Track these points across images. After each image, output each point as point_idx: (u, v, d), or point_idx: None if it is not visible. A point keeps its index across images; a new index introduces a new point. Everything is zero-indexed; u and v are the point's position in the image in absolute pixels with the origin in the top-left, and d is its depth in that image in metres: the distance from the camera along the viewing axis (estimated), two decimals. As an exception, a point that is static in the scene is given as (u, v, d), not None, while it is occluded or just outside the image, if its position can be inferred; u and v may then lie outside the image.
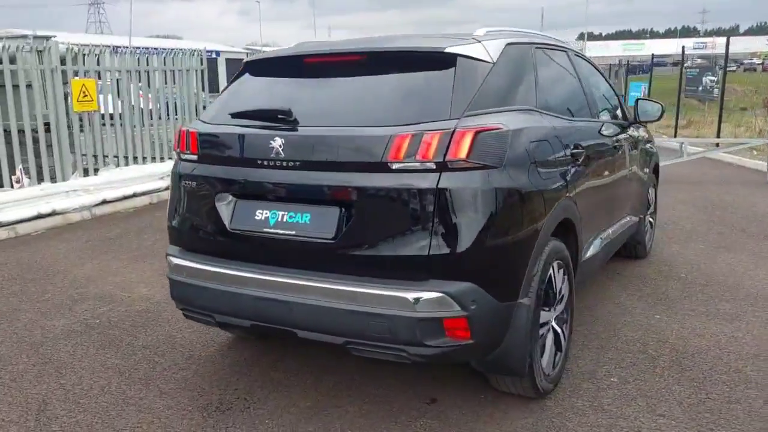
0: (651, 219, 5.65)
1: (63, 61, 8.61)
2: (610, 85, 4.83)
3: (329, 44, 3.41)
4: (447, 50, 2.85)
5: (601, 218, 3.96)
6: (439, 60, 2.84)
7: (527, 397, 3.09)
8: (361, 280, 2.65)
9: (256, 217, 2.88)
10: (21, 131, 7.99)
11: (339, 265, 2.73)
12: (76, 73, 8.46)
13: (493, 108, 2.84)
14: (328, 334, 2.74)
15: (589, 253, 3.73)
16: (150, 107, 9.64)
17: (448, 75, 2.79)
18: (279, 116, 2.85)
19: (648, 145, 5.31)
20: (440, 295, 2.54)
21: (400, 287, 2.58)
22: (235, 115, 3.00)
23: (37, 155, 8.19)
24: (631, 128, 4.83)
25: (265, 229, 2.85)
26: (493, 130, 2.67)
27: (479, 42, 3.01)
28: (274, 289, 2.80)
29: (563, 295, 3.25)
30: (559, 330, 3.22)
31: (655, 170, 5.61)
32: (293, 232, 2.79)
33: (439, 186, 2.55)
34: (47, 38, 8.93)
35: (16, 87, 8.14)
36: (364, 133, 2.67)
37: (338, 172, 2.70)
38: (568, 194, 3.18)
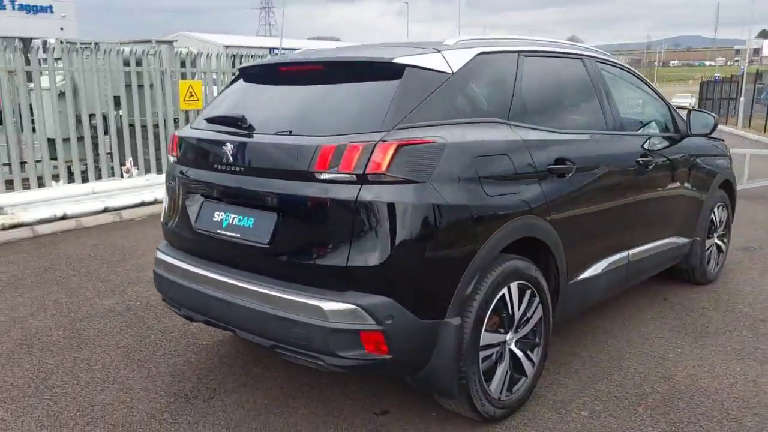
0: (720, 242, 5.13)
1: (183, 64, 9.41)
2: (658, 95, 4.45)
3: (314, 52, 3.47)
4: (395, 61, 2.82)
5: (610, 238, 3.68)
6: (387, 71, 2.82)
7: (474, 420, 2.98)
8: (288, 286, 2.71)
9: (214, 219, 3.03)
10: (132, 126, 8.84)
11: (272, 270, 2.80)
12: (184, 75, 9.18)
13: (439, 120, 2.77)
14: (258, 336, 2.83)
15: (586, 275, 3.50)
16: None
17: (392, 86, 2.76)
18: (237, 123, 2.97)
19: (714, 160, 4.83)
20: (353, 307, 2.54)
21: (319, 296, 2.60)
22: (207, 120, 3.17)
23: (146, 148, 9.00)
24: (685, 141, 4.43)
25: (219, 231, 2.99)
26: (419, 143, 2.60)
27: (439, 52, 2.94)
28: (219, 289, 2.93)
29: (528, 318, 3.09)
30: (520, 354, 3.06)
31: (727, 187, 5.08)
32: (239, 235, 2.90)
33: (359, 198, 2.54)
34: (170, 43, 9.75)
35: (141, 87, 9.02)
36: (297, 142, 2.72)
37: (275, 180, 2.77)
38: (535, 212, 3.01)
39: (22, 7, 32.33)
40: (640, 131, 4.24)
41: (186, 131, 3.32)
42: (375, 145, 2.54)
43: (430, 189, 2.59)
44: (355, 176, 2.55)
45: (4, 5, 31.65)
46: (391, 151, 2.53)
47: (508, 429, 2.98)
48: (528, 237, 3.02)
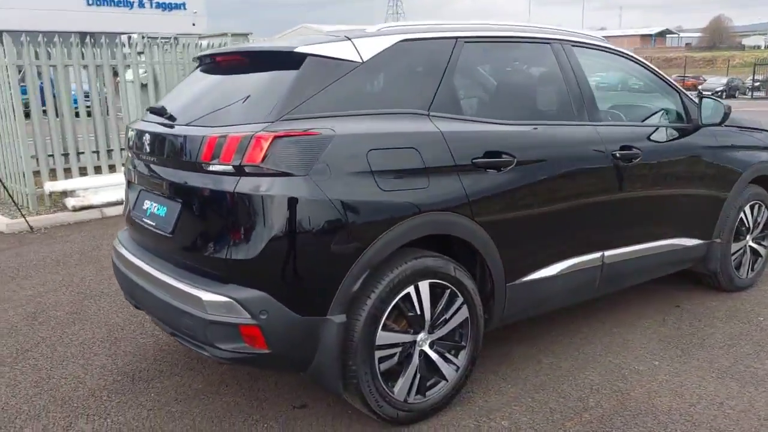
0: (756, 245, 4.58)
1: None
2: (666, 81, 4.02)
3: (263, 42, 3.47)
4: (297, 50, 2.77)
5: (572, 238, 3.40)
6: (289, 60, 2.77)
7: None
8: (183, 276, 2.76)
9: (143, 207, 3.14)
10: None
11: (174, 259, 2.87)
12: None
13: (338, 111, 2.69)
14: (162, 322, 2.91)
15: (536, 276, 3.26)
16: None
17: (290, 76, 2.72)
18: (163, 114, 3.05)
19: (744, 153, 4.32)
20: (228, 300, 2.54)
21: (202, 288, 2.63)
22: (148, 111, 3.27)
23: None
24: (698, 133, 4.00)
25: (143, 219, 3.09)
26: (299, 135, 2.54)
27: (349, 40, 2.84)
28: (139, 276, 3.04)
29: (446, 319, 2.93)
30: (435, 356, 2.92)
31: (765, 183, 4.52)
32: (154, 224, 2.99)
33: (236, 191, 2.53)
34: (245, 35, 10.09)
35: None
36: (190, 133, 2.75)
37: (179, 170, 2.81)
38: (451, 208, 2.84)
39: (159, 5, 34.75)
40: (632, 122, 3.88)
41: (133, 123, 3.45)
42: (252, 136, 2.51)
43: (308, 182, 2.52)
44: (233, 168, 2.54)
45: (144, 4, 34.16)
46: (266, 143, 2.50)
47: (416, 430, 2.87)
48: (445, 235, 2.87)
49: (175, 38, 9.60)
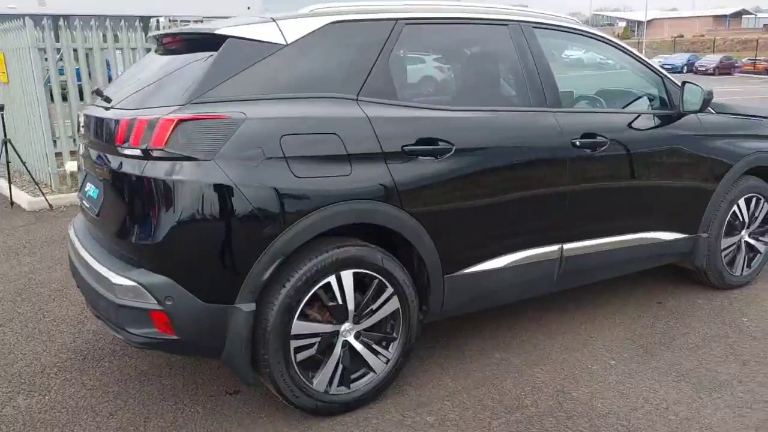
0: (753, 240, 4.30)
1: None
2: (646, 65, 3.79)
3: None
4: (218, 32, 2.72)
5: (522, 229, 3.26)
6: (212, 42, 2.73)
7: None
8: (105, 258, 2.77)
9: (85, 189, 3.17)
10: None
11: (101, 241, 2.89)
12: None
13: (255, 94, 2.64)
14: (89, 304, 2.94)
15: (479, 268, 3.14)
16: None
17: (209, 58, 2.68)
18: (102, 97, 3.07)
19: (738, 143, 4.04)
20: (134, 284, 2.54)
21: (115, 271, 2.63)
22: (94, 93, 3.30)
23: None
24: (682, 121, 3.76)
25: (83, 201, 3.13)
26: (205, 119, 2.50)
27: (274, 21, 2.78)
28: (75, 257, 3.08)
29: (373, 310, 2.86)
30: (361, 347, 2.86)
31: (761, 173, 4.23)
32: (89, 206, 3.01)
33: (143, 174, 2.52)
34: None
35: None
36: (111, 116, 2.74)
37: (103, 153, 2.82)
38: (376, 196, 2.75)
39: (214, -14, 35.01)
40: (605, 109, 3.67)
41: (84, 107, 3.48)
42: (157, 120, 2.49)
43: (212, 167, 2.48)
44: (140, 151, 2.53)
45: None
46: (170, 127, 2.47)
47: (334, 424, 2.81)
48: (370, 223, 2.79)
49: (201, 20, 9.66)
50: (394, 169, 2.81)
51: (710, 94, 3.67)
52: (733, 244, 4.21)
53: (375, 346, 2.92)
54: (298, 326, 2.68)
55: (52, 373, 3.33)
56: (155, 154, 2.50)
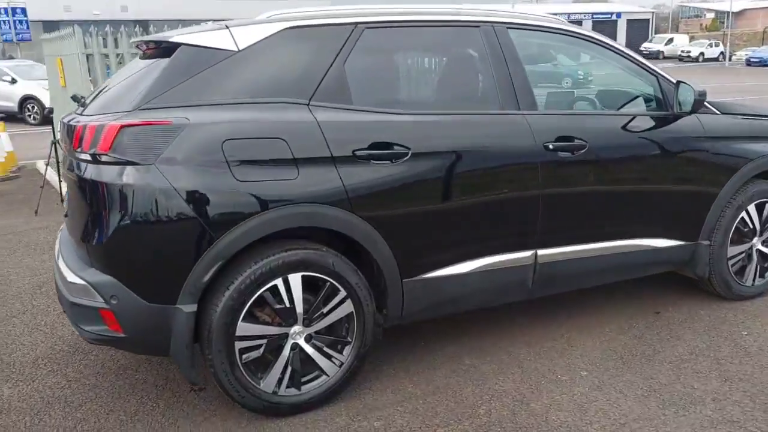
0: (764, 248, 4.04)
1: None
2: (640, 65, 3.62)
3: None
4: (171, 39, 2.82)
5: (490, 234, 3.19)
6: (168, 50, 2.82)
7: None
8: (70, 257, 2.91)
9: (65, 193, 3.33)
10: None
11: (69, 240, 3.03)
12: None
13: (203, 100, 2.71)
14: (59, 301, 3.09)
15: (442, 273, 3.10)
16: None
17: (162, 64, 2.77)
18: (80, 103, 3.22)
19: (744, 145, 3.81)
20: (84, 283, 2.67)
21: (71, 270, 2.76)
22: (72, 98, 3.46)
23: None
24: (678, 123, 3.59)
25: (64, 202, 3.29)
26: (147, 125, 2.59)
27: (227, 28, 2.84)
28: (55, 256, 3.24)
29: (323, 313, 2.88)
30: (311, 350, 2.88)
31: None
32: (65, 206, 3.17)
33: (92, 177, 2.65)
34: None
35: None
36: (71, 121, 2.87)
37: (68, 157, 2.95)
38: (324, 200, 2.77)
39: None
40: (588, 110, 3.54)
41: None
42: (103, 126, 2.60)
43: (153, 171, 2.57)
44: (89, 156, 2.64)
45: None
46: (113, 132, 2.58)
47: (283, 425, 2.85)
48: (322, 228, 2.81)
49: (179, 26, 9.86)
50: (345, 173, 2.82)
51: (702, 94, 3.48)
52: (742, 252, 3.97)
53: (327, 350, 2.94)
54: (243, 328, 2.74)
55: (42, 364, 3.52)
56: (103, 158, 2.61)
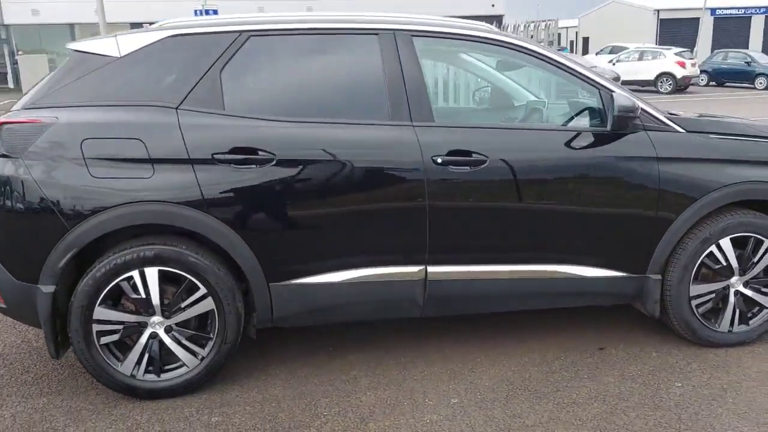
0: (750, 291, 3.45)
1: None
2: (576, 75, 3.27)
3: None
4: (68, 46, 3.12)
5: (367, 245, 3.12)
6: (71, 56, 3.14)
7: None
8: None
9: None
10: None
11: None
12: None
13: (80, 102, 2.99)
14: None
15: (314, 280, 3.10)
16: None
17: (63, 69, 3.09)
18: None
19: (712, 169, 3.30)
20: None
21: None
22: None
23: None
24: (623, 139, 3.24)
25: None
26: (18, 123, 2.92)
27: (114, 36, 3.08)
28: None
29: (181, 307, 3.03)
30: (170, 341, 3.05)
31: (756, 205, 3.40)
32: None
33: None
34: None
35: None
36: None
37: None
38: (176, 200, 2.92)
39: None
40: (502, 124, 3.28)
41: None
42: None
43: (18, 164, 2.89)
44: None
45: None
46: None
47: (133, 408, 3.03)
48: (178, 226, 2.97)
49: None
50: (202, 175, 2.94)
51: (629, 110, 3.08)
52: (712, 292, 3.44)
53: (187, 342, 3.08)
54: (99, 312, 2.98)
55: (26, 353, 3.88)
56: None
